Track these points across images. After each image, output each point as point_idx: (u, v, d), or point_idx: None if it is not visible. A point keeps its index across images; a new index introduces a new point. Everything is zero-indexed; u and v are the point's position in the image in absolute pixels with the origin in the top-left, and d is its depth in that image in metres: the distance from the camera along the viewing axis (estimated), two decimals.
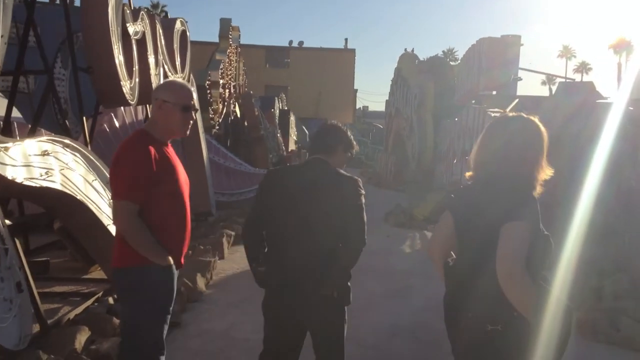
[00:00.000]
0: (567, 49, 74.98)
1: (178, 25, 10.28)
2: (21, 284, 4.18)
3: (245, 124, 19.18)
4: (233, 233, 9.85)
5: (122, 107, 9.95)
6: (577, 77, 58.18)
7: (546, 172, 2.55)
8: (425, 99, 21.34)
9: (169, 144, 3.24)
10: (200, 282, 6.74)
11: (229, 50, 18.36)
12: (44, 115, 6.79)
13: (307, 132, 36.30)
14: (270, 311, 3.37)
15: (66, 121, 7.23)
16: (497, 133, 2.63)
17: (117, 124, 9.99)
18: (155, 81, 8.49)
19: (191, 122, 3.22)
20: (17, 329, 4.04)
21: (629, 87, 11.65)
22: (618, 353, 5.26)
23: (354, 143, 3.56)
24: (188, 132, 3.26)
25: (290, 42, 50.64)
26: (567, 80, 29.63)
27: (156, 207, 3.03)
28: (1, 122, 6.11)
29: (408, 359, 5.17)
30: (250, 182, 15.12)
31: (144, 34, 8.18)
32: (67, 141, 5.54)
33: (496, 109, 11.93)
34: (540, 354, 2.41)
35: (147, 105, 9.70)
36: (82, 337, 4.61)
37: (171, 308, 3.14)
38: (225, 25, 18.69)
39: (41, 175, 4.81)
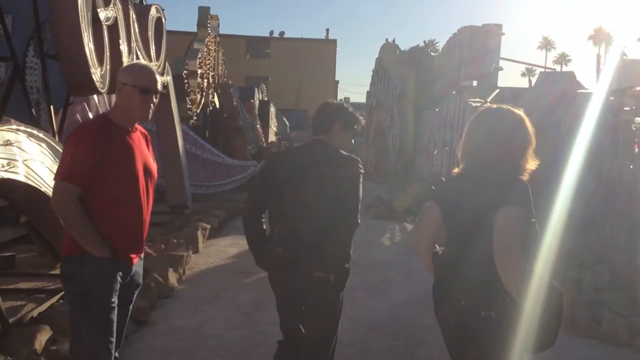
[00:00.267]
0: (546, 40, 75.41)
1: (153, 11, 9.99)
2: None
3: (224, 114, 18.90)
4: (209, 226, 9.61)
5: (95, 97, 9.67)
6: (557, 68, 58.44)
7: (532, 163, 2.60)
8: (406, 89, 21.21)
9: (136, 131, 3.07)
10: (172, 277, 6.51)
11: (207, 40, 18.06)
12: (15, 105, 6.53)
13: (287, 123, 36.04)
14: (277, 292, 3.41)
15: (32, 110, 6.94)
16: (482, 124, 2.67)
17: (90, 115, 9.69)
18: None
19: (152, 106, 3.02)
20: None
21: (609, 78, 11.65)
22: (600, 348, 5.15)
23: (358, 117, 3.50)
24: (150, 117, 3.07)
25: (271, 32, 50.26)
26: (548, 70, 29.69)
27: (100, 193, 2.89)
28: None
29: (386, 356, 4.99)
30: (228, 173, 14.90)
31: (116, 19, 7.91)
32: (33, 131, 5.29)
33: (477, 99, 11.81)
34: (534, 336, 2.46)
35: None
36: (42, 337, 4.38)
37: (113, 305, 2.92)
38: (204, 14, 18.37)
39: (2, 167, 4.58)
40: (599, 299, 6.02)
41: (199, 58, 16.56)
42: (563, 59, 71.27)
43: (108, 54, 7.48)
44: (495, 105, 2.77)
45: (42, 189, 5.10)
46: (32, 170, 5.01)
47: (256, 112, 23.03)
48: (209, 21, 18.52)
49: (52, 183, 5.19)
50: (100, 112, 11.00)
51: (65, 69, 6.53)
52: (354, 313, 5.88)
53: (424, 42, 51.99)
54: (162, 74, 10.12)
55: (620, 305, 5.74)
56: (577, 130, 7.98)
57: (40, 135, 5.39)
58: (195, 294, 6.41)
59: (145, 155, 3.09)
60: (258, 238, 3.37)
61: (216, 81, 19.49)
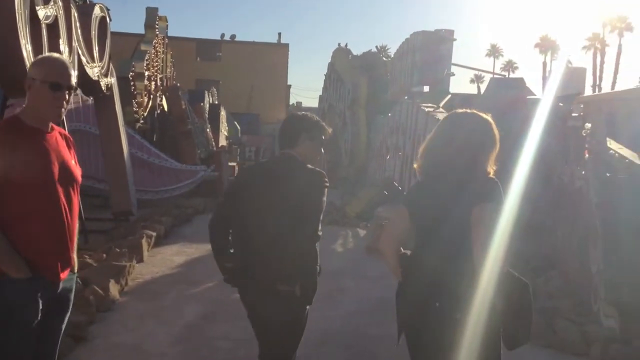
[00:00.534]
0: (495, 48, 76.96)
1: (97, 11, 9.61)
2: None
3: (172, 118, 18.43)
4: (154, 234, 9.22)
5: None
6: (506, 75, 59.70)
7: (492, 167, 2.67)
8: (359, 94, 21.16)
9: (52, 132, 2.74)
10: (114, 289, 6.16)
11: (155, 41, 17.60)
12: None
13: (239, 127, 35.58)
14: (246, 307, 3.37)
15: None
16: (450, 127, 2.72)
17: None
18: None
19: (65, 104, 2.71)
20: None
21: (555, 85, 11.84)
22: (556, 357, 5.07)
23: (323, 126, 3.41)
24: (62, 116, 2.75)
25: (222, 35, 49.67)
26: (499, 76, 30.25)
27: (12, 204, 2.55)
28: None
29: None
30: (177, 178, 14.48)
31: (56, 18, 7.54)
32: None
33: (430, 104, 11.79)
34: (508, 334, 2.57)
35: None
36: None
37: (34, 328, 2.62)
38: (152, 15, 17.89)
39: None
40: (553, 305, 5.97)
41: (146, 60, 16.11)
42: (510, 66, 72.77)
43: (47, 54, 7.12)
44: (462, 110, 2.80)
45: None
46: None
47: (206, 115, 22.55)
48: (157, 22, 18.05)
49: None
50: None
51: (0, 69, 6.17)
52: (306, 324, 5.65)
53: (376, 47, 52.37)
54: (105, 75, 9.74)
55: (574, 312, 5.70)
56: (527, 135, 8.00)
57: None
58: (138, 307, 6.06)
59: (65, 158, 2.76)
60: (218, 247, 3.34)
61: (164, 84, 19.03)
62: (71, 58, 8.11)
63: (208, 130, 21.82)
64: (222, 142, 25.75)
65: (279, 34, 52.55)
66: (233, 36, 49.69)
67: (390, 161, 15.10)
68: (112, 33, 10.63)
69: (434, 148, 2.73)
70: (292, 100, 54.19)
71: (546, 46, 61.95)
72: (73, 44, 8.21)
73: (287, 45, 51.23)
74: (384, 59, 30.95)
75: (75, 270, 2.93)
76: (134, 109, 14.83)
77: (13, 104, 7.78)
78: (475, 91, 51.45)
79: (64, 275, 2.77)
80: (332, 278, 7.79)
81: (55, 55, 3.14)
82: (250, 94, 45.01)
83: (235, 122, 35.14)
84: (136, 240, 8.31)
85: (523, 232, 7.08)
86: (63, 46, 7.74)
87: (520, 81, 13.00)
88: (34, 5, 6.73)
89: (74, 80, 2.74)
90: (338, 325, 5.82)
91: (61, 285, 2.77)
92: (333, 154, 23.95)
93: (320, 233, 3.30)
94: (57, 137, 2.77)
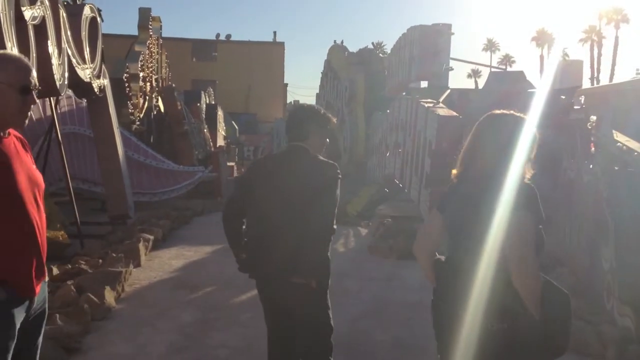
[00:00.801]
0: (491, 42, 76.82)
1: (87, 11, 9.40)
2: None
3: (168, 119, 18.23)
4: (152, 237, 9.00)
5: None
6: (504, 69, 59.52)
7: (528, 172, 2.57)
8: (356, 91, 20.95)
9: (9, 137, 2.47)
10: (109, 296, 5.95)
11: (149, 42, 17.41)
12: None
13: (236, 127, 35.38)
14: (263, 300, 3.44)
15: None
16: (487, 129, 2.63)
17: None
18: (58, 72, 7.66)
19: (32, 107, 2.48)
20: None
21: (553, 78, 11.67)
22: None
23: (329, 117, 3.49)
24: (27, 122, 2.51)
25: (218, 35, 49.46)
26: (498, 70, 30.05)
27: None
28: None
29: None
30: (175, 180, 14.29)
31: (43, 18, 7.33)
32: None
33: (429, 100, 11.58)
34: (550, 343, 2.49)
35: (50, 99, 8.83)
36: None
37: (11, 353, 2.39)
38: (145, 15, 17.70)
39: None
40: None
41: (141, 61, 15.93)
42: (507, 60, 72.68)
43: (34, 55, 6.92)
44: (499, 111, 2.69)
45: None
46: None
47: (203, 115, 22.34)
48: (150, 23, 17.87)
49: None
50: (34, 118, 10.33)
51: None
52: None
53: (372, 43, 52.19)
54: (98, 77, 9.53)
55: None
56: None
57: None
58: (135, 314, 5.86)
59: (26, 164, 2.51)
60: (233, 238, 3.39)
61: (160, 85, 18.83)
62: (61, 59, 7.92)
63: (205, 130, 21.62)
64: (220, 142, 25.56)
65: (275, 32, 52.56)
66: (228, 36, 49.52)
67: (390, 158, 14.89)
68: (105, 35, 10.46)
69: (472, 150, 2.65)
70: (290, 98, 54.01)
71: (543, 39, 61.90)
72: (62, 45, 8.02)
73: (282, 43, 51.09)
74: (380, 55, 30.73)
75: (47, 278, 2.70)
76: (130, 110, 14.67)
77: None
78: (472, 86, 51.30)
79: (39, 288, 2.54)
80: (335, 280, 7.51)
81: (15, 53, 2.91)
82: (247, 93, 44.87)
83: (233, 122, 34.97)
84: (133, 244, 8.10)
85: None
86: (52, 47, 7.55)
87: (520, 74, 12.80)
88: (20, 5, 6.54)
89: (35, 80, 2.49)
90: (342, 328, 5.60)
91: (36, 300, 2.55)
92: (332, 151, 23.77)
93: (335, 227, 3.31)
94: (15, 141, 2.51)
